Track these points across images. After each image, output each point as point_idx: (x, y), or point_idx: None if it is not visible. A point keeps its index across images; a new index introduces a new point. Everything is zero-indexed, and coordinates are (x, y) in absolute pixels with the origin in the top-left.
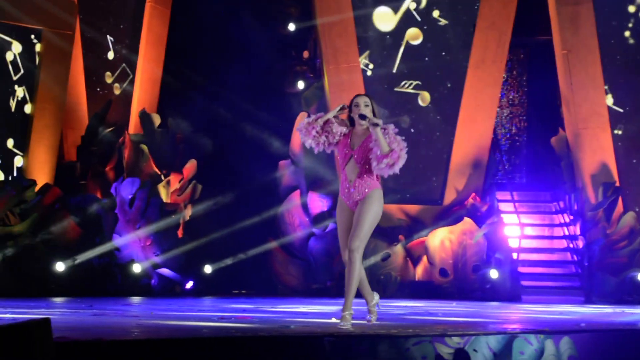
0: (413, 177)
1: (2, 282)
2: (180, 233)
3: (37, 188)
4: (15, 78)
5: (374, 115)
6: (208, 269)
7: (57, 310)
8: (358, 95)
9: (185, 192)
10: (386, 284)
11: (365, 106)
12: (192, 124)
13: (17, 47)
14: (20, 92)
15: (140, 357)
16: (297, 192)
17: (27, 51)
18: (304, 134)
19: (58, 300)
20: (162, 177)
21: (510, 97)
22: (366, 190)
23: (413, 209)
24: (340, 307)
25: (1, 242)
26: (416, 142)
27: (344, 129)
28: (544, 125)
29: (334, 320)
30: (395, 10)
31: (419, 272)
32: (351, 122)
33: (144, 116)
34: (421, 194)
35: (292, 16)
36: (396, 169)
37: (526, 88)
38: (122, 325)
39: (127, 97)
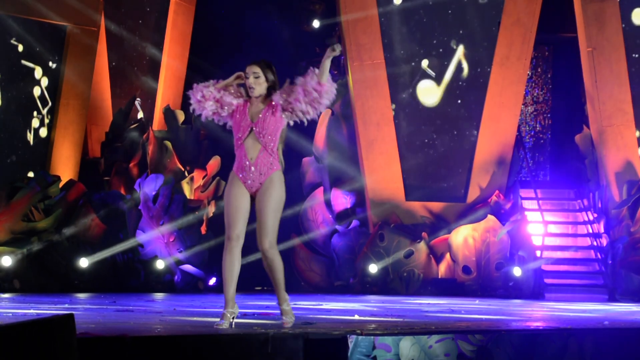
0: (436, 174)
1: (26, 277)
2: (203, 229)
3: (61, 184)
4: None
5: (273, 80)
6: None
7: (81, 306)
8: (249, 64)
9: (209, 189)
10: (409, 281)
11: (255, 77)
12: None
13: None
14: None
15: (164, 353)
16: (321, 189)
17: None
18: (192, 95)
19: (81, 296)
20: (186, 174)
21: (535, 94)
22: (269, 171)
23: (436, 206)
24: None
25: (26, 238)
26: (440, 140)
27: (239, 100)
28: (569, 123)
29: (357, 317)
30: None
31: (442, 269)
32: (246, 93)
33: (168, 112)
34: (444, 191)
35: (316, 13)
36: (321, 105)
37: (550, 85)
38: (146, 322)
39: (151, 93)
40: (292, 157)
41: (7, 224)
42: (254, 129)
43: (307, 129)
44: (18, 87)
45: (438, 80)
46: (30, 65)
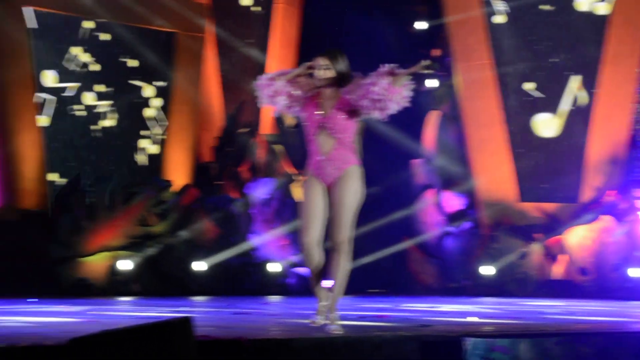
0: (549, 174)
1: (144, 281)
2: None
3: (175, 189)
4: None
5: (344, 73)
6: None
7: (198, 309)
8: (320, 55)
9: None
10: (523, 282)
11: (325, 69)
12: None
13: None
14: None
15: (279, 356)
16: (431, 190)
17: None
18: (260, 90)
19: (198, 299)
20: (296, 177)
21: None
22: (345, 166)
23: (550, 206)
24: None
25: (142, 242)
26: (552, 140)
27: (311, 92)
28: None
29: (472, 319)
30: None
31: (557, 270)
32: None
33: (278, 116)
34: (557, 191)
35: (422, 14)
36: (388, 109)
37: None
38: (261, 324)
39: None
40: (402, 159)
41: (124, 229)
42: (326, 123)
43: (415, 131)
44: (129, 106)
45: (553, 109)
46: (139, 84)
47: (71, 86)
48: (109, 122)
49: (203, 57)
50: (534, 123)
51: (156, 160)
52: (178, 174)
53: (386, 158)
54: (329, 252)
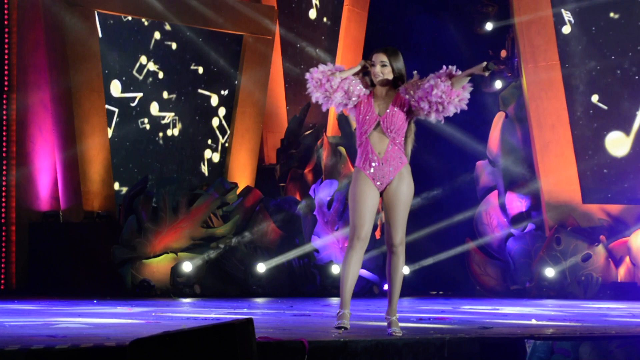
0: (614, 176)
1: (206, 282)
2: (377, 234)
3: (238, 191)
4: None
5: (401, 71)
6: (406, 269)
7: (259, 311)
8: (375, 51)
9: None
10: (587, 285)
11: (382, 66)
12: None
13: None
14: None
15: (339, 358)
16: (495, 192)
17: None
18: (313, 85)
19: (259, 300)
20: None
21: None
22: (400, 165)
23: (614, 208)
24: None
25: (205, 244)
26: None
27: (366, 90)
28: None
29: (534, 321)
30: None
31: (622, 273)
32: (371, 83)
33: (342, 118)
34: (622, 193)
35: (490, 15)
36: (445, 111)
37: None
38: (323, 326)
39: None
40: (466, 160)
41: (188, 231)
42: (381, 123)
43: (480, 132)
44: (195, 116)
45: (627, 130)
46: (207, 93)
47: (137, 96)
48: (174, 131)
49: (270, 60)
50: (607, 143)
51: (221, 165)
52: (243, 176)
53: (451, 159)
54: (386, 254)
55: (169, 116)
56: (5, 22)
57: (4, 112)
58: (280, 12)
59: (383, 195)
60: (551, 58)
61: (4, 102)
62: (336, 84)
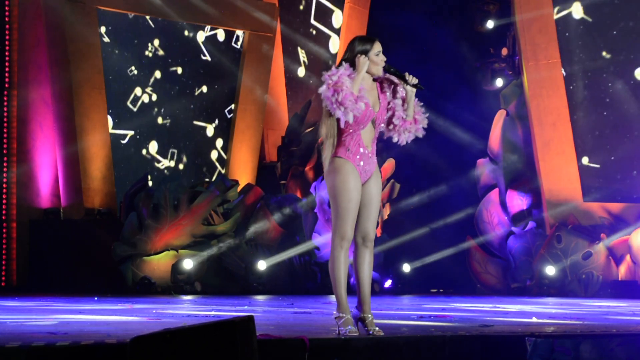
0: (615, 174)
1: (207, 280)
2: (378, 232)
3: (239, 188)
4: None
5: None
6: (406, 267)
7: (260, 308)
8: (376, 40)
9: (384, 191)
10: (588, 283)
11: (383, 55)
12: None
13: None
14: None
15: (342, 355)
16: (496, 190)
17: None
18: (341, 101)
19: (260, 298)
20: None
21: None
22: (376, 159)
23: (615, 207)
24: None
25: (206, 242)
26: (618, 139)
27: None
28: None
29: (535, 319)
30: None
31: (622, 271)
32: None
33: None
34: (623, 191)
35: (491, 13)
36: (408, 139)
37: None
38: (324, 324)
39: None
40: (467, 158)
41: (188, 228)
42: (376, 119)
43: (481, 130)
44: (194, 149)
45: (620, 109)
46: (202, 124)
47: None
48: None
49: (271, 57)
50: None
51: (222, 162)
52: (244, 173)
53: (451, 157)
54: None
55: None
56: (6, 19)
57: (5, 109)
58: (282, 8)
59: (363, 189)
60: (552, 56)
61: (5, 98)
62: (348, 94)
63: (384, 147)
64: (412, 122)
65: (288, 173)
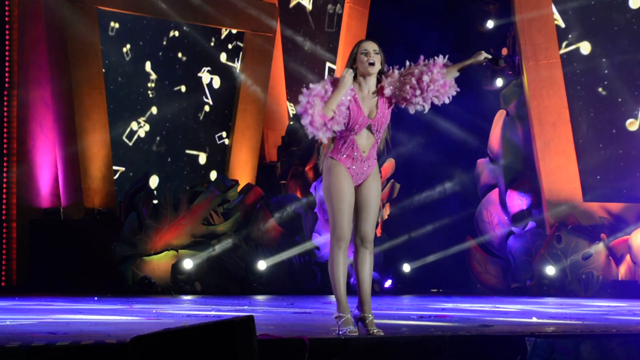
0: (615, 174)
1: (207, 280)
2: (378, 232)
3: (239, 188)
4: None
5: (384, 63)
6: (406, 267)
7: (260, 308)
8: (362, 41)
9: (384, 191)
10: (588, 283)
11: (375, 54)
12: (389, 124)
13: None
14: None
15: (342, 355)
16: (496, 190)
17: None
18: (311, 125)
19: (260, 298)
20: None
21: None
22: (375, 161)
23: (615, 206)
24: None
25: (206, 242)
26: (618, 139)
27: (349, 92)
28: None
29: (535, 319)
30: None
31: (622, 271)
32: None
33: None
34: (623, 191)
35: (491, 13)
36: (439, 101)
37: None
38: (324, 324)
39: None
40: (467, 158)
41: (188, 228)
42: (372, 126)
43: (481, 130)
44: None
45: (621, 110)
46: (195, 153)
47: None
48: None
49: (271, 57)
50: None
51: (222, 162)
52: (244, 173)
53: (451, 157)
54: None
55: None
56: (6, 19)
57: (5, 109)
58: (282, 8)
59: (357, 190)
60: (552, 56)
61: (5, 98)
62: (321, 116)
63: (384, 147)
64: (450, 83)
65: (288, 173)
